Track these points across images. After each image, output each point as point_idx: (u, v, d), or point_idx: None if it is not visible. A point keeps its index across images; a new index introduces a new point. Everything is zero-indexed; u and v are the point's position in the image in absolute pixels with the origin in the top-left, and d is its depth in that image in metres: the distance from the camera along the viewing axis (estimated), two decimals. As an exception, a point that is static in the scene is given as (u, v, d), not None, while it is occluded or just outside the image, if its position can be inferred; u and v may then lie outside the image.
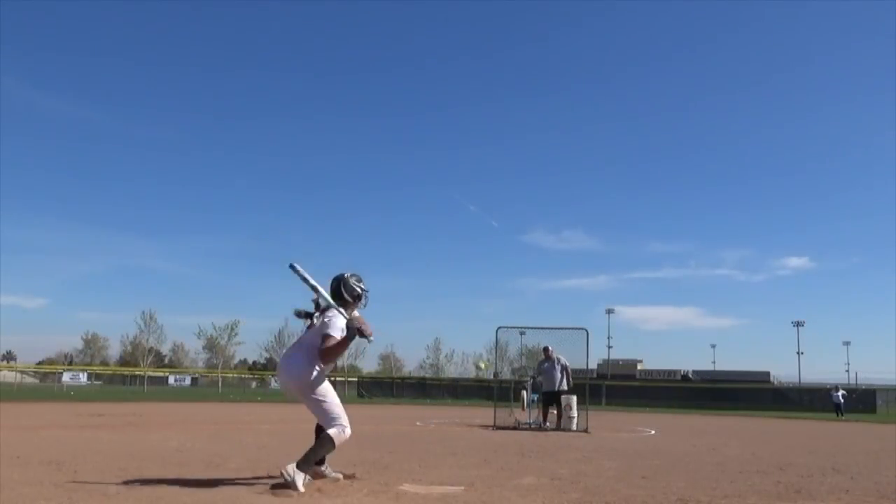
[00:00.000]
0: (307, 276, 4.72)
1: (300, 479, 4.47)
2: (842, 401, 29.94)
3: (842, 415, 28.77)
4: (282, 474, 4.49)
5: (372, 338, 4.81)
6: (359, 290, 4.98)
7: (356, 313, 4.98)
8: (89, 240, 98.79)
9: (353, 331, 4.65)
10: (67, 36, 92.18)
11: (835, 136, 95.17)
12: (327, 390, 4.81)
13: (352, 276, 5.01)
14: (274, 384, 56.76)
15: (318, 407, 4.76)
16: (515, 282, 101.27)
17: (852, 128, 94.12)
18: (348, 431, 4.76)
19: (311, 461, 4.63)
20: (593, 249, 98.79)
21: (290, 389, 4.92)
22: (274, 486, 4.53)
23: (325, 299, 4.78)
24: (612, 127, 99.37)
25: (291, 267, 4.67)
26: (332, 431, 4.69)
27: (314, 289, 4.76)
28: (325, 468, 5.07)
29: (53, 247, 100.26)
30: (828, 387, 36.07)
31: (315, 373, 4.76)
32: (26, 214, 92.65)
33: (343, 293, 4.91)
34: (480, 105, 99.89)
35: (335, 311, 4.74)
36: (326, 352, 4.67)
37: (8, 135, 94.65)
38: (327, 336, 4.66)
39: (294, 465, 4.51)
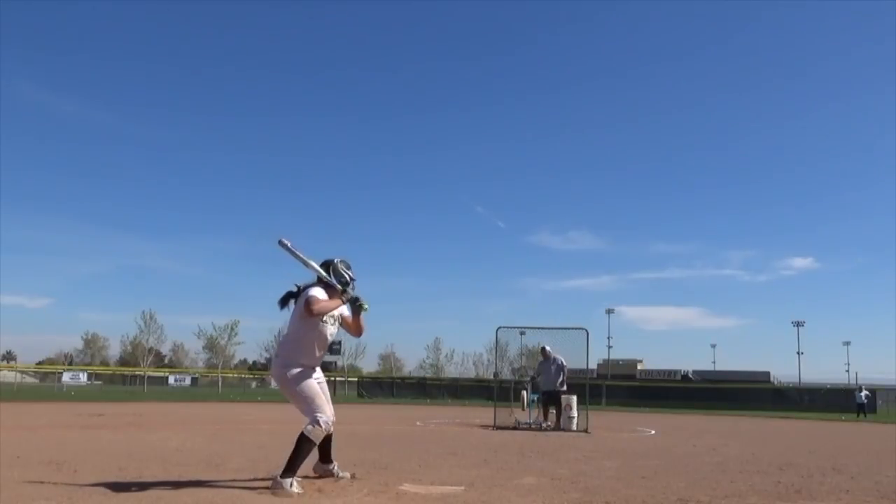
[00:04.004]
0: (298, 251, 4.78)
1: (287, 484, 4.47)
2: (865, 401, 29.95)
3: (864, 415, 28.67)
4: (274, 488, 4.48)
5: (364, 304, 4.86)
6: (347, 276, 4.95)
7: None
8: (90, 239, 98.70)
9: (337, 292, 4.74)
10: (67, 36, 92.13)
11: (841, 136, 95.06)
12: (303, 383, 4.77)
13: (341, 261, 4.99)
14: (274, 384, 56.82)
15: (295, 401, 4.81)
16: (519, 282, 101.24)
17: (857, 127, 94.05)
18: (323, 423, 4.69)
19: (296, 465, 4.59)
20: (598, 250, 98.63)
21: (277, 387, 4.97)
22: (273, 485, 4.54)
23: (319, 272, 4.83)
24: (619, 128, 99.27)
25: (280, 243, 4.72)
26: (305, 428, 4.68)
27: (306, 264, 4.82)
28: (334, 467, 5.09)
29: (56, 247, 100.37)
30: (829, 385, 36.06)
31: (288, 366, 4.79)
32: (29, 215, 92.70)
33: (330, 277, 4.89)
34: (488, 105, 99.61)
35: (312, 285, 4.81)
36: (312, 308, 4.64)
37: (11, 135, 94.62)
38: (309, 298, 4.67)
39: (279, 475, 4.53)
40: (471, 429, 13.38)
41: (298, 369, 4.80)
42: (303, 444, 4.64)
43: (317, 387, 4.83)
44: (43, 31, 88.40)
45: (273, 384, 54.37)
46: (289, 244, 4.75)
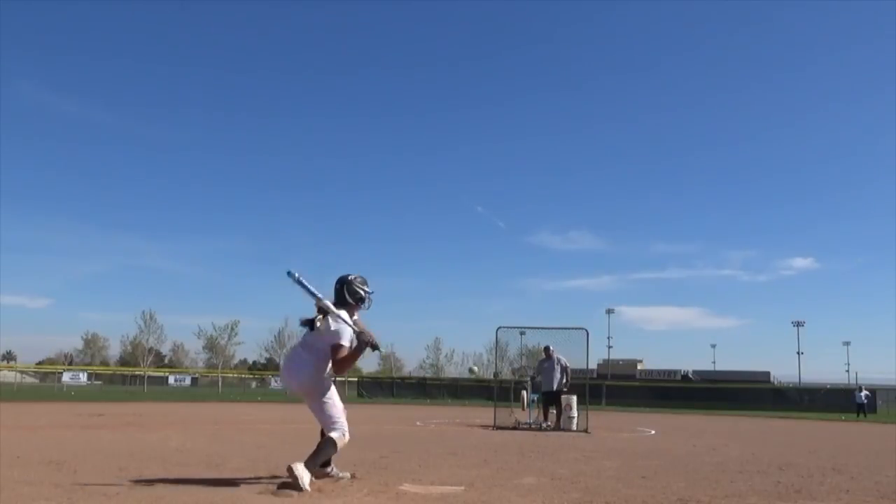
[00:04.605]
0: (306, 282, 4.68)
1: (307, 478, 4.49)
2: (865, 401, 29.95)
3: (864, 415, 28.66)
4: (290, 471, 4.46)
5: (381, 348, 4.83)
6: (362, 292, 4.96)
7: (357, 316, 4.97)
8: (90, 239, 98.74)
9: (364, 344, 4.71)
10: (67, 36, 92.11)
11: (841, 136, 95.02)
12: (332, 394, 4.88)
13: (356, 277, 4.98)
14: (274, 384, 56.75)
15: (322, 410, 4.84)
16: (519, 282, 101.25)
17: (857, 127, 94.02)
18: (348, 436, 4.83)
19: (317, 462, 4.67)
20: (599, 250, 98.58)
21: (296, 391, 4.97)
22: (280, 486, 4.53)
23: (325, 305, 4.74)
24: (619, 127, 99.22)
25: (289, 274, 4.61)
26: (334, 435, 4.75)
27: (313, 295, 4.74)
28: (332, 469, 5.10)
29: (56, 247, 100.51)
30: (829, 385, 36.03)
31: (323, 377, 4.86)
32: (29, 215, 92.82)
33: (346, 295, 4.90)
34: (488, 105, 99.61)
35: (342, 319, 4.72)
36: (339, 364, 4.70)
37: (11, 135, 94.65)
38: (338, 347, 4.66)
39: (302, 463, 4.53)
40: (471, 429, 13.38)
41: (330, 381, 4.92)
42: (328, 448, 4.72)
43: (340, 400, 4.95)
44: (43, 31, 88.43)
45: (274, 385, 54.56)
46: (297, 275, 4.66)
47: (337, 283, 4.94)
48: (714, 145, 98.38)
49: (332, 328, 4.70)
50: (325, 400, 4.83)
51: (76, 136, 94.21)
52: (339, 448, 4.78)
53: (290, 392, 5.12)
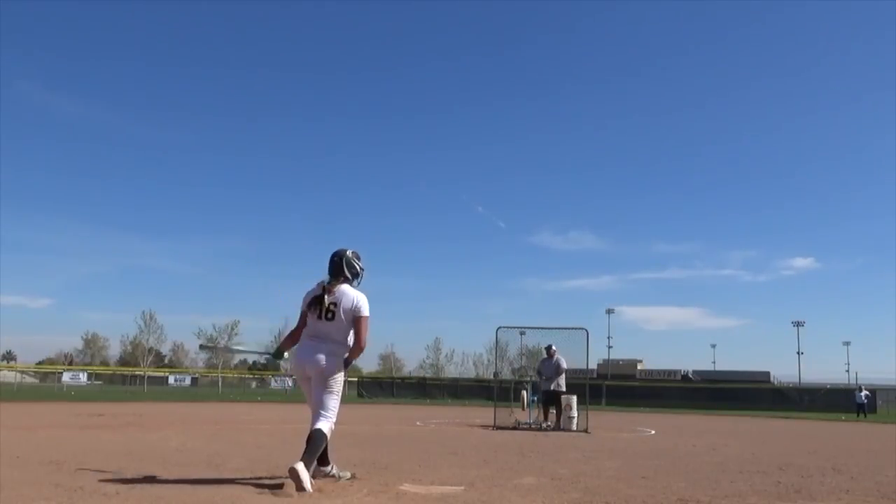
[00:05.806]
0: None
1: (309, 478, 4.48)
2: (865, 401, 29.97)
3: (864, 415, 28.67)
4: (293, 472, 4.43)
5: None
6: (358, 268, 5.03)
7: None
8: (90, 239, 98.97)
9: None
10: (67, 36, 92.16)
11: (841, 136, 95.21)
12: (342, 386, 4.96)
13: (354, 252, 5.07)
14: (274, 384, 56.77)
15: (332, 399, 4.85)
16: (519, 282, 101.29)
17: (858, 127, 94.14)
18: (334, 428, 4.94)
19: (315, 457, 4.69)
20: (599, 250, 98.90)
21: (315, 373, 4.83)
22: (281, 486, 4.50)
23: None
24: (620, 128, 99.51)
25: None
26: (326, 427, 4.76)
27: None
28: (332, 468, 5.09)
29: (56, 247, 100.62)
30: (829, 385, 36.01)
31: (344, 368, 4.92)
32: (29, 215, 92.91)
33: (344, 269, 4.95)
34: (489, 105, 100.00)
35: (356, 291, 4.92)
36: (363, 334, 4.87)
37: (11, 135, 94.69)
38: (366, 318, 4.86)
39: (302, 463, 4.50)
40: (471, 429, 13.38)
41: (344, 368, 4.95)
42: (321, 440, 4.72)
43: None
44: (43, 31, 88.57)
45: (274, 384, 54.46)
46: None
47: (336, 256, 4.97)
48: (714, 145, 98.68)
49: (357, 303, 4.86)
50: (335, 388, 4.86)
51: (76, 136, 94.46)
52: (328, 438, 4.81)
53: (301, 374, 4.98)
